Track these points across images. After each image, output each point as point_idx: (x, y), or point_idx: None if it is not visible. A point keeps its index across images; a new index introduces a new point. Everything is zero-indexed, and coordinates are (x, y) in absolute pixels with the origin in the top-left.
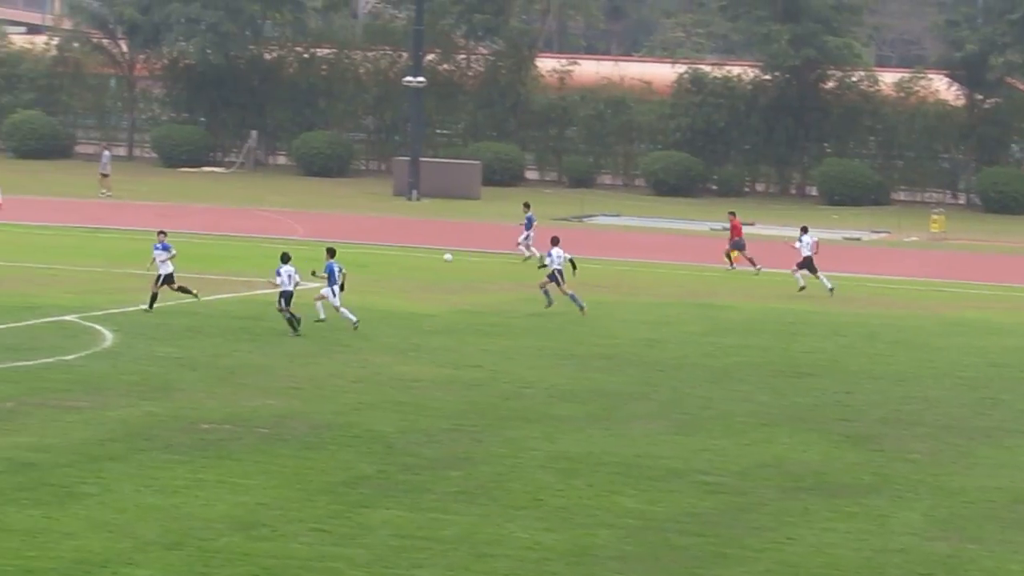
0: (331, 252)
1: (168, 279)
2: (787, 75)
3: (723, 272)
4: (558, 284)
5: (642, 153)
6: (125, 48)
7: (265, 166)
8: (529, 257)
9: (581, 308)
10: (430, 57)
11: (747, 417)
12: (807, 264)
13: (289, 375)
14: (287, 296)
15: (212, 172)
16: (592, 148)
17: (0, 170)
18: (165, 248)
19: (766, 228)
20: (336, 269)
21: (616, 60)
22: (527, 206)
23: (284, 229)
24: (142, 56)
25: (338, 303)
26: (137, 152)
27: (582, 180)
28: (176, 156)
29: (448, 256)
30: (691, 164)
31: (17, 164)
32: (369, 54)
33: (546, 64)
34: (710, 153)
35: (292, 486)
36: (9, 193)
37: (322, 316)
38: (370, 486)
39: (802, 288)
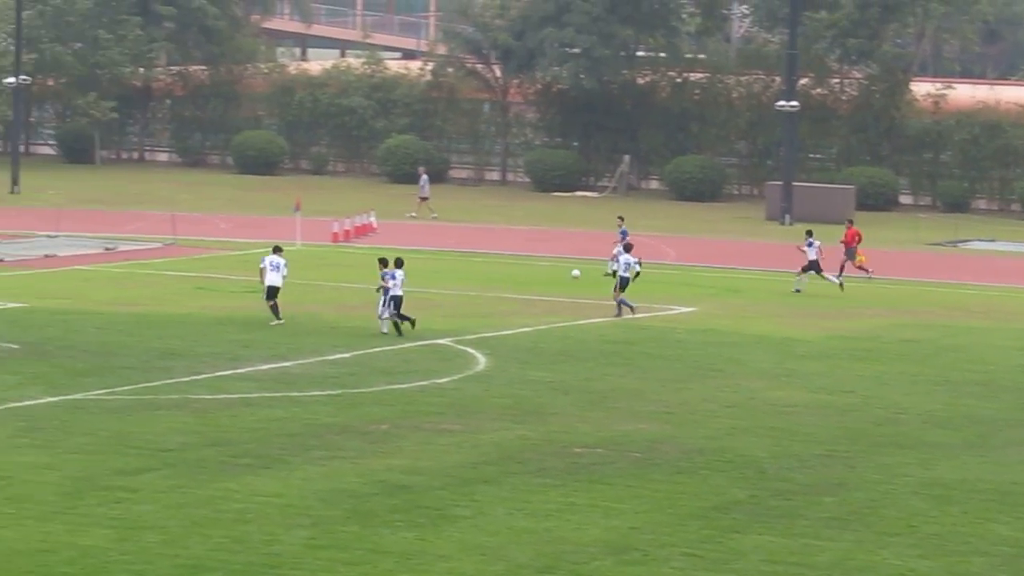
0: (383, 262)
1: (272, 292)
2: None
3: None
4: (617, 289)
5: (1018, 178)
6: (499, 73)
7: (637, 190)
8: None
9: (632, 309)
10: (803, 81)
11: None
12: (813, 266)
13: (661, 399)
14: (396, 301)
15: (584, 197)
16: (967, 173)
17: (373, 195)
18: (276, 267)
19: None
20: (389, 277)
21: (992, 84)
22: (621, 219)
23: (656, 253)
24: (515, 81)
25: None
26: (510, 177)
27: (957, 205)
28: (549, 181)
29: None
30: None
31: (390, 188)
32: (742, 78)
33: (920, 88)
34: None
35: (664, 510)
36: (380, 218)
37: (384, 330)
38: (742, 511)
39: (797, 291)
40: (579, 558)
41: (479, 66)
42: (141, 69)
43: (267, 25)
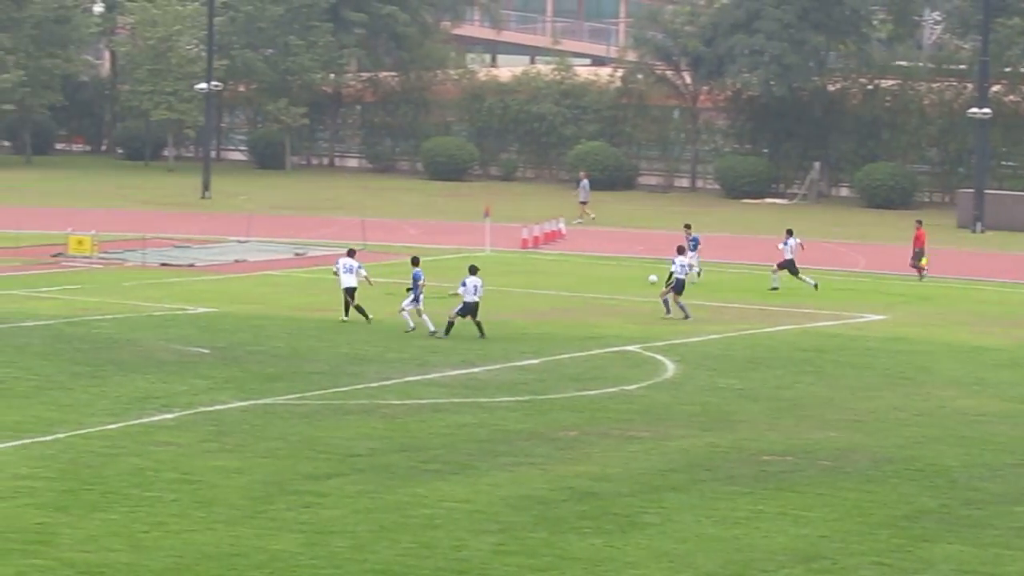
0: (415, 261)
1: (349, 292)
2: None
3: None
4: (676, 292)
5: None
6: (688, 80)
7: (827, 198)
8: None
9: (687, 314)
10: (996, 88)
11: None
12: (788, 265)
13: (851, 408)
14: (471, 307)
15: (774, 204)
16: None
17: (561, 201)
18: (350, 269)
19: None
20: (420, 278)
21: None
22: (688, 227)
23: (846, 261)
24: (705, 87)
25: (420, 307)
26: (699, 183)
27: None
28: (738, 188)
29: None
30: None
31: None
32: (934, 85)
33: None
34: None
35: (853, 519)
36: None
37: (411, 326)
38: (932, 520)
39: (774, 288)
40: (767, 566)
41: (669, 72)
42: (332, 75)
43: (457, 31)
